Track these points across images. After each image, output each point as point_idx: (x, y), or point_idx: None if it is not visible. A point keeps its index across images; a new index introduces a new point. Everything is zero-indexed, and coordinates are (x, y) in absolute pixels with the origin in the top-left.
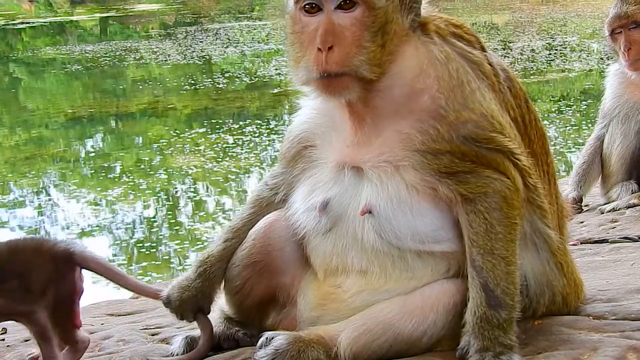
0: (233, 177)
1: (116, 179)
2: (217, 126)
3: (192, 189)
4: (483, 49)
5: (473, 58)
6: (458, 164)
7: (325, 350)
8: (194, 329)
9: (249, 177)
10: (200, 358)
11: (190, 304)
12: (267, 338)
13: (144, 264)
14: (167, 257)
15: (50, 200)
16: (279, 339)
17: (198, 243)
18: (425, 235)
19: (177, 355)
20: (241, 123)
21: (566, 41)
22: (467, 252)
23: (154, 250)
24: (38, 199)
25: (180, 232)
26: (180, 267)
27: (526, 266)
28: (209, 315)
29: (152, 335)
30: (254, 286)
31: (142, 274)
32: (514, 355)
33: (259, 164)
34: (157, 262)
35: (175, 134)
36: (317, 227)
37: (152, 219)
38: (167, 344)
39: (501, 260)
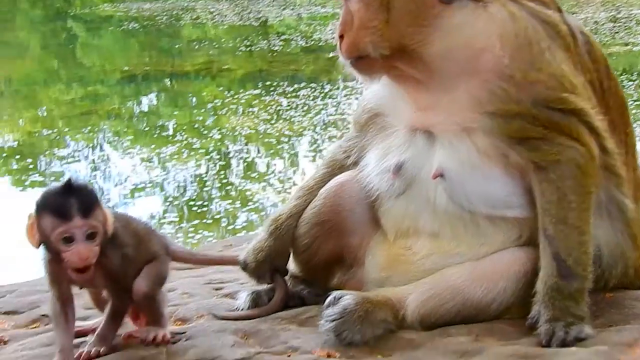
0: (285, 140)
1: (169, 138)
2: (271, 88)
3: (244, 150)
4: (559, 10)
5: (545, 17)
6: (529, 129)
7: (392, 312)
8: (259, 285)
9: (301, 140)
10: (269, 314)
11: (266, 265)
12: (334, 297)
13: (195, 222)
14: (217, 217)
15: (104, 155)
16: (347, 298)
17: (249, 204)
18: (497, 200)
19: (243, 309)
20: (295, 86)
21: (632, 14)
22: (539, 221)
23: (205, 209)
24: (92, 154)
25: (231, 193)
26: (231, 227)
27: (599, 236)
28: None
29: (216, 289)
30: (322, 245)
31: (193, 232)
32: (585, 327)
33: (312, 127)
34: (207, 221)
35: (229, 95)
36: (390, 189)
37: (204, 178)
38: (231, 298)
39: (574, 230)
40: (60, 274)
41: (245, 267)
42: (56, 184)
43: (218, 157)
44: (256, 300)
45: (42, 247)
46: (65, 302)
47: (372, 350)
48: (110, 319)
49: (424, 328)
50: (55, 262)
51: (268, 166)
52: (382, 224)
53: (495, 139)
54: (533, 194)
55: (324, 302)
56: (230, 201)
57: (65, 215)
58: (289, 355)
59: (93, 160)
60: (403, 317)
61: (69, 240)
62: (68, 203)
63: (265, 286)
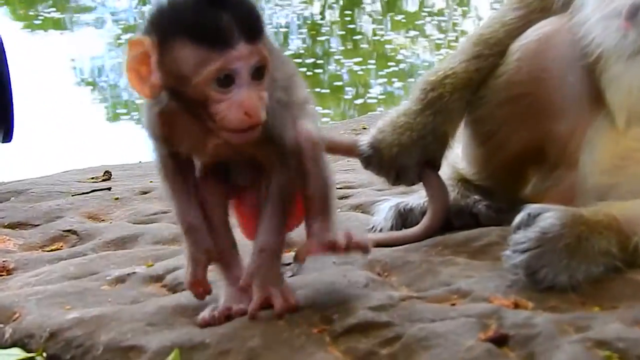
0: None
1: None
2: None
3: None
4: None
5: None
6: None
7: (618, 239)
8: (404, 194)
9: None
10: (425, 237)
11: (414, 153)
12: (529, 214)
13: None
14: (338, 84)
15: None
16: (549, 216)
17: (389, 64)
18: None
19: (383, 230)
20: None
21: None
22: None
23: (319, 70)
24: None
25: (361, 45)
26: (360, 101)
27: None
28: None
29: (341, 198)
30: (513, 133)
31: None
32: None
33: None
34: (323, 91)
35: None
36: (622, 45)
37: (318, 22)
38: (364, 213)
39: None
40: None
41: (374, 155)
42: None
43: None
44: (404, 217)
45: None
46: (189, 188)
47: (584, 299)
48: (278, 215)
49: None
50: (185, 120)
51: (421, 4)
52: (607, 100)
53: None
54: None
55: (511, 222)
56: (359, 59)
57: (224, 39)
58: (454, 304)
59: None
60: (636, 249)
61: (227, 81)
62: (225, 19)
63: (417, 196)
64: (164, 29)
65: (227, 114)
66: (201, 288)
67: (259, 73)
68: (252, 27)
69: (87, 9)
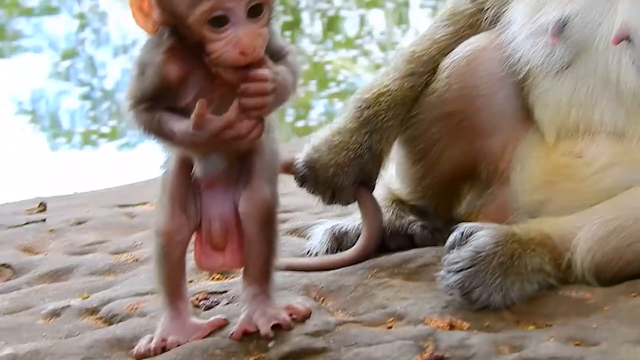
0: None
1: None
2: None
3: None
4: None
5: None
6: None
7: (551, 257)
8: (339, 216)
9: None
10: (361, 260)
11: (351, 173)
12: (462, 233)
13: None
14: None
15: (97, 7)
16: (482, 235)
17: (330, 84)
18: None
19: (319, 254)
20: None
21: None
22: None
23: None
24: (79, 3)
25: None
26: (301, 123)
27: None
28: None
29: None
30: (445, 151)
31: None
32: None
33: None
34: None
35: None
36: (549, 61)
37: None
38: (300, 237)
39: None
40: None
41: (308, 175)
42: None
43: (281, 8)
44: (339, 240)
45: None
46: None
47: (519, 317)
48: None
49: (602, 282)
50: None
51: (361, 23)
52: (535, 116)
53: None
54: None
55: (445, 241)
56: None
57: None
58: (390, 327)
59: (81, 14)
60: (568, 265)
61: (221, 21)
62: None
63: (352, 218)
64: None
65: (222, 52)
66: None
67: (255, 11)
68: None
69: (22, 36)
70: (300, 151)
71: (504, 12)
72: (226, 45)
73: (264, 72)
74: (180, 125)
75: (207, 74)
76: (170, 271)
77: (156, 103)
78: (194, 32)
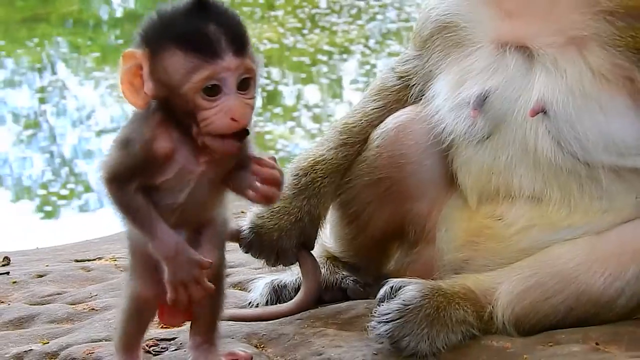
0: (324, 57)
1: None
2: None
3: (264, 74)
4: None
5: None
6: None
7: (474, 309)
8: (277, 272)
9: (346, 59)
10: (295, 313)
11: (293, 236)
12: (392, 287)
13: None
14: None
15: (57, 81)
16: (410, 289)
17: (269, 152)
18: (625, 144)
19: (259, 305)
20: None
21: None
22: None
23: None
24: (40, 78)
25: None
26: None
27: None
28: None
29: None
30: (376, 213)
31: None
32: None
33: (363, 40)
34: None
35: None
36: (471, 132)
37: None
38: (242, 290)
39: None
40: (175, 147)
41: (254, 240)
42: (179, 2)
43: None
44: (278, 293)
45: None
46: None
47: None
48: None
49: (521, 332)
50: (169, 123)
51: (298, 97)
52: (459, 182)
53: (616, 54)
54: None
55: (376, 295)
56: None
57: (212, 49)
58: None
59: (41, 88)
60: (490, 317)
61: (214, 90)
62: (213, 31)
63: (290, 273)
64: (155, 40)
65: (213, 120)
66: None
67: (245, 83)
68: (240, 40)
69: None
70: (238, 213)
71: (429, 87)
72: (218, 112)
73: (269, 157)
74: (164, 236)
75: (191, 149)
76: (137, 328)
77: (133, 179)
78: (187, 101)
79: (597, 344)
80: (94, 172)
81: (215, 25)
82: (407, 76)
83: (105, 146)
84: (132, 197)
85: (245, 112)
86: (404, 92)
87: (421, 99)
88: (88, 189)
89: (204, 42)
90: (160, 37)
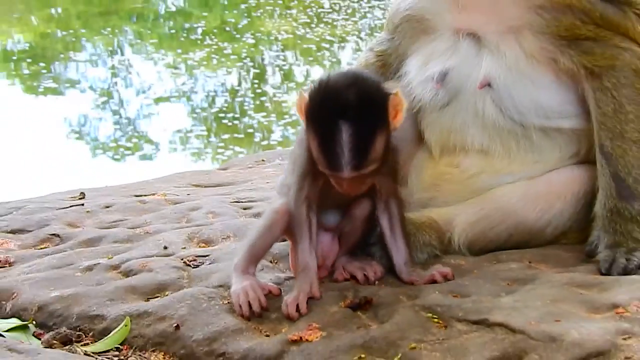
0: (327, 45)
1: (198, 42)
2: None
3: (281, 57)
4: None
5: None
6: (580, 27)
7: (437, 235)
8: None
9: (344, 47)
10: None
11: None
12: None
13: (225, 136)
14: (250, 131)
15: (125, 61)
16: None
17: (285, 117)
18: (551, 110)
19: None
20: None
21: None
22: (595, 136)
23: (236, 122)
24: (112, 58)
25: (265, 104)
26: (265, 142)
27: None
28: None
29: (244, 209)
30: None
31: (222, 147)
32: None
33: (356, 32)
34: (238, 135)
35: None
36: (434, 100)
37: (235, 88)
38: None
39: (632, 145)
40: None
41: None
42: (335, 83)
43: (252, 64)
44: None
45: None
46: (310, 206)
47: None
48: (403, 232)
49: (472, 253)
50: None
51: (307, 75)
52: (425, 139)
53: (543, 40)
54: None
55: None
56: (264, 114)
57: (334, 165)
58: (323, 281)
59: (113, 65)
60: (449, 241)
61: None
62: (341, 147)
63: None
64: (310, 109)
65: (336, 184)
66: (297, 313)
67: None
68: (359, 161)
69: (72, 82)
70: (259, 161)
71: (402, 66)
72: (339, 183)
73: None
74: (305, 253)
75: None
76: (265, 243)
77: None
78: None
79: (530, 262)
80: (151, 129)
81: (346, 145)
82: (382, 55)
83: (161, 112)
84: (301, 222)
85: (359, 190)
86: (383, 70)
87: (397, 75)
88: (148, 141)
89: (330, 156)
90: (312, 113)
